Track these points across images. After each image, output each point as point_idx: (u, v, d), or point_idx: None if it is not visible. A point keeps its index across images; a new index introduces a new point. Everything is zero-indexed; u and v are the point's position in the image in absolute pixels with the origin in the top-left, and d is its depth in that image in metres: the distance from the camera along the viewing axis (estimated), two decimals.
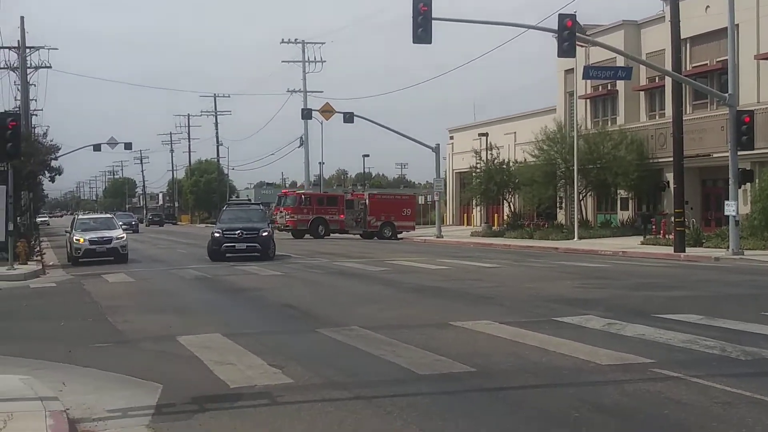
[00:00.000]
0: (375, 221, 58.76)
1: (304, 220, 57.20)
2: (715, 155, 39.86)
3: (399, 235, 58.18)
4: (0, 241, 26.62)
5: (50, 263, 34.16)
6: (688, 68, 43.16)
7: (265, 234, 32.92)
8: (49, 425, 7.61)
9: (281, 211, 58.37)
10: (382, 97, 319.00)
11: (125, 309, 17.69)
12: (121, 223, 40.59)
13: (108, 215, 43.74)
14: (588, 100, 52.78)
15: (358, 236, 58.30)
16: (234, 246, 32.57)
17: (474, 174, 57.68)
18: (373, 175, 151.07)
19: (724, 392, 8.81)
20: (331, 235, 57.79)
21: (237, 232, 32.81)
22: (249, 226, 33.22)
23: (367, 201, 59.69)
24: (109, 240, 33.98)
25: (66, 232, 37.52)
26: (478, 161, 56.79)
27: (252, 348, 12.06)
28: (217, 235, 33.22)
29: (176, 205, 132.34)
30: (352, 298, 18.72)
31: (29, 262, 31.67)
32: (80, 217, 40.51)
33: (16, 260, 29.58)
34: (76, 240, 33.94)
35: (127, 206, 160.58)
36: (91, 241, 33.78)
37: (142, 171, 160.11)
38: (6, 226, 24.38)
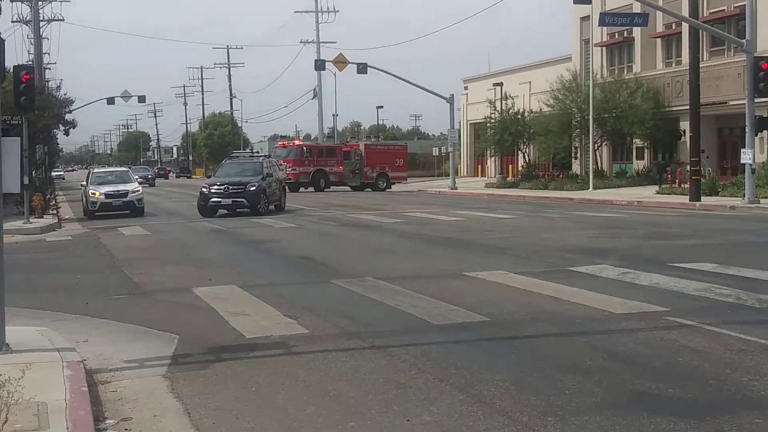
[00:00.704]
0: (371, 172, 58.96)
1: (305, 173, 56.26)
2: (731, 103, 39.50)
3: (393, 186, 58.72)
4: (16, 194, 26.77)
5: (66, 217, 34.34)
6: (705, 14, 42.59)
7: (252, 188, 31.66)
8: (66, 375, 7.70)
9: (281, 164, 57.76)
10: (396, 49, 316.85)
11: (141, 261, 17.80)
12: (137, 176, 40.71)
13: (123, 168, 43.85)
14: (604, 48, 52.26)
15: (348, 188, 57.68)
16: (220, 201, 31.60)
17: (488, 124, 57.38)
18: (387, 127, 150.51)
19: (738, 340, 8.82)
20: (331, 187, 57.29)
21: (223, 187, 31.77)
22: (237, 180, 32.15)
23: (363, 152, 59.53)
24: (125, 193, 34.10)
25: (81, 185, 37.68)
26: (492, 111, 56.45)
27: (267, 299, 12.13)
28: (204, 190, 32.37)
29: (190, 158, 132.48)
30: (366, 250, 18.77)
31: (45, 216, 31.86)
32: (95, 170, 40.61)
33: (31, 214, 29.77)
34: (92, 194, 34.07)
35: (141, 160, 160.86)
36: (107, 195, 33.91)
37: (156, 124, 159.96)
38: (21, 180, 24.45)
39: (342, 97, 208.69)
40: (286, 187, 36.24)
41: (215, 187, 31.99)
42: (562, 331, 9.49)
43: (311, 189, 55.87)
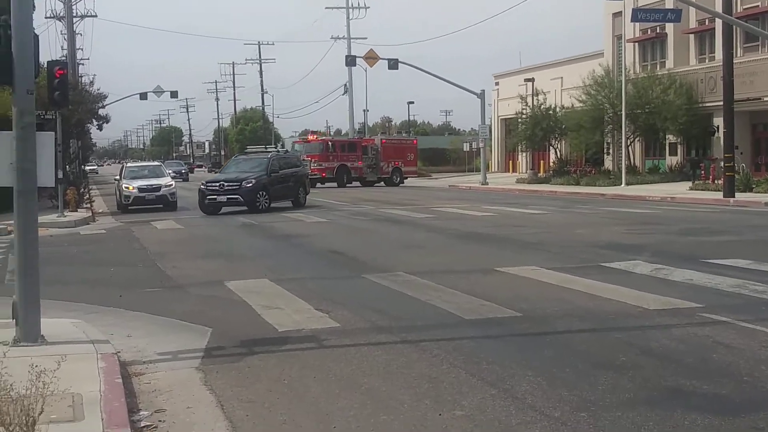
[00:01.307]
0: (386, 167, 58.65)
1: (330, 168, 55.59)
2: (765, 99, 39.08)
3: (405, 181, 58.60)
4: (50, 188, 27.03)
5: (99, 211, 34.63)
6: (738, 10, 42.14)
7: (249, 185, 30.93)
8: (100, 367, 7.76)
9: (303, 159, 56.11)
10: (427, 44, 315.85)
11: (174, 255, 17.91)
12: (170, 171, 40.92)
13: (157, 163, 44.14)
14: (636, 44, 51.85)
15: (359, 183, 56.96)
16: (215, 198, 30.94)
17: (520, 120, 57.15)
18: (418, 122, 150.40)
19: None
20: (352, 182, 56.81)
21: (218, 184, 31.28)
22: (234, 176, 31.66)
23: (379, 146, 59.09)
24: (158, 187, 34.35)
25: (115, 180, 37.97)
26: (524, 107, 56.21)
27: (299, 293, 12.15)
28: (202, 188, 31.83)
29: (222, 153, 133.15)
30: (397, 245, 18.77)
31: (79, 210, 32.14)
32: (129, 165, 40.93)
33: (65, 208, 30.04)
34: (126, 188, 34.35)
35: (174, 154, 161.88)
36: (140, 189, 34.17)
37: (188, 119, 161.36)
38: (55, 174, 24.67)
39: (373, 92, 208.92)
40: (307, 183, 35.55)
41: (212, 184, 31.51)
42: (595, 327, 9.43)
43: (334, 184, 55.27)
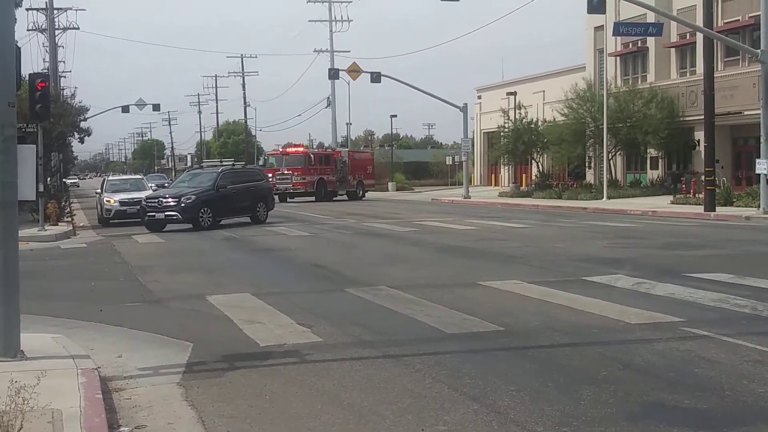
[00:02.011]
0: (352, 180, 58.34)
1: (311, 182, 54.47)
2: (746, 113, 39.31)
3: (366, 195, 58.54)
4: (31, 201, 26.89)
5: (80, 224, 34.49)
6: (719, 24, 42.45)
7: (188, 201, 29.53)
8: (81, 382, 7.71)
9: (282, 173, 54.00)
10: (410, 57, 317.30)
11: (155, 269, 17.85)
12: (152, 184, 40.79)
13: (138, 176, 44.08)
14: (618, 58, 52.16)
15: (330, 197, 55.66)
16: (154, 216, 29.60)
17: (502, 133, 57.36)
18: (401, 135, 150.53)
19: (755, 351, 8.75)
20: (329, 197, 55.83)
21: (156, 201, 29.97)
22: (174, 192, 30.54)
23: (347, 159, 58.52)
24: (140, 201, 34.22)
25: (96, 193, 37.83)
26: (506, 120, 56.43)
27: (281, 307, 12.13)
28: (143, 203, 30.64)
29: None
30: (380, 258, 18.77)
31: (60, 223, 31.99)
32: (110, 178, 40.82)
33: (46, 221, 29.89)
34: (107, 201, 34.24)
35: (155, 167, 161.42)
36: (122, 202, 34.06)
37: (171, 132, 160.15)
38: (36, 187, 24.55)
39: (356, 106, 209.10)
40: (270, 198, 33.97)
41: (152, 201, 30.20)
42: (576, 341, 9.44)
43: (312, 198, 54.17)
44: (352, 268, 16.85)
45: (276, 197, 53.87)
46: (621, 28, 35.31)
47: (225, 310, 12.07)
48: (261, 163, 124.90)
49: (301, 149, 58.79)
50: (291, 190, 54.16)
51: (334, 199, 55.99)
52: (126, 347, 9.91)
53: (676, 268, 15.46)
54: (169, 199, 29.85)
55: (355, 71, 59.44)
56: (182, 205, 29.58)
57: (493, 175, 72.56)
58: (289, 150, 58.45)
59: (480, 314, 11.08)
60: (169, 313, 12.30)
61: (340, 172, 57.27)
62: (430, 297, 12.62)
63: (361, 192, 58.94)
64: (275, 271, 17.26)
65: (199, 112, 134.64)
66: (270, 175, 53.20)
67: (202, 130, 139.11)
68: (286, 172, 54.05)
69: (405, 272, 16.01)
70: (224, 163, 37.82)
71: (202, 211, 29.81)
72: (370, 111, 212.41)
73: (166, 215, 29.58)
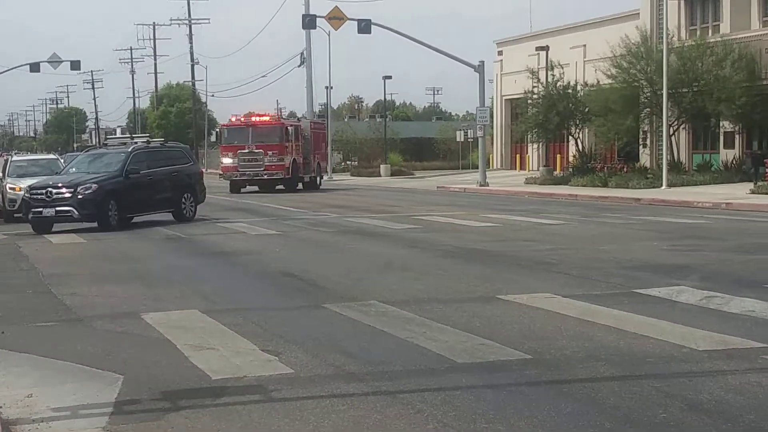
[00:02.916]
0: (313, 162, 57.38)
1: (288, 165, 52.56)
2: None
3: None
4: None
5: None
6: None
7: (87, 192, 28.31)
8: None
9: (251, 152, 52.00)
10: (408, 1, 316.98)
11: (75, 278, 17.83)
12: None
13: (52, 156, 43.92)
14: (682, 2, 52.24)
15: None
16: (41, 212, 28.40)
17: (530, 101, 57.44)
18: (397, 103, 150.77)
19: None
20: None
21: (44, 192, 28.55)
22: (68, 180, 29.14)
23: (309, 133, 57.02)
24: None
25: None
26: (535, 84, 56.50)
27: (240, 328, 12.12)
28: (26, 197, 29.51)
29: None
30: (370, 265, 18.78)
31: None
32: (15, 159, 40.70)
33: None
34: (11, 189, 34.16)
35: (75, 145, 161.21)
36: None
37: (95, 98, 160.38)
38: None
39: (338, 64, 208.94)
40: (198, 187, 32.85)
41: (38, 191, 28.82)
42: (626, 374, 9.46)
43: (281, 187, 52.95)
44: (333, 278, 16.84)
45: (231, 185, 53.21)
46: None
47: (166, 333, 12.06)
48: (213, 138, 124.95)
49: (275, 118, 55.71)
50: (264, 176, 52.33)
51: (297, 188, 54.50)
52: (36, 381, 9.90)
53: (758, 277, 15.48)
54: (62, 189, 28.47)
55: (337, 18, 59.39)
56: (79, 196, 28.28)
57: (517, 156, 72.69)
58: (257, 119, 54.66)
59: (500, 338, 11.09)
60: (92, 336, 12.28)
61: (305, 151, 55.69)
62: (434, 315, 12.62)
63: (320, 178, 58.88)
64: (232, 282, 17.24)
65: (132, 71, 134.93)
66: (229, 154, 53.22)
67: (137, 95, 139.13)
68: (255, 150, 52.22)
69: (402, 283, 16.00)
70: (135, 140, 36.02)
71: (107, 204, 28.74)
72: (357, 72, 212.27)
73: (56, 211, 28.37)
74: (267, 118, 54.98)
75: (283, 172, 52.20)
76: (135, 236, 26.56)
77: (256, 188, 53.62)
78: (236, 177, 53.10)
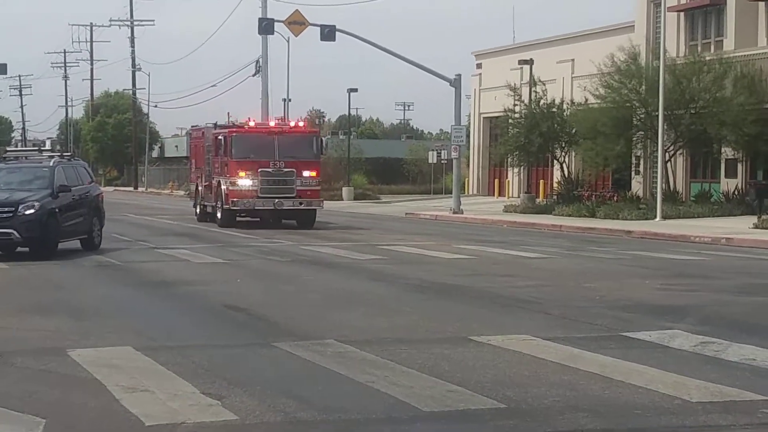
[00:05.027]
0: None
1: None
2: None
3: None
4: None
5: None
6: None
7: (29, 212, 26.90)
8: None
9: (278, 170, 41.00)
10: (379, 6, 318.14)
11: None
12: None
13: None
14: (682, 14, 52.64)
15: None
16: None
17: (511, 120, 57.64)
18: (363, 119, 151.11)
19: None
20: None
21: None
22: (2, 198, 27.52)
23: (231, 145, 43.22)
24: None
25: None
26: (516, 101, 56.71)
27: (178, 368, 12.06)
28: None
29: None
30: (327, 299, 18.76)
31: None
32: None
33: None
34: None
35: None
36: None
37: (22, 106, 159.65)
38: None
39: (298, 73, 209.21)
40: (102, 210, 31.36)
41: None
42: (612, 427, 9.48)
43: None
44: (285, 313, 16.81)
45: (224, 216, 42.12)
46: None
47: (95, 372, 11.98)
48: (155, 154, 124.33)
49: (309, 124, 46.53)
50: (300, 204, 41.45)
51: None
52: None
53: (759, 322, 15.58)
54: (3, 208, 27.03)
55: (298, 23, 59.41)
56: (19, 217, 26.96)
57: (496, 181, 72.87)
58: (283, 125, 45.03)
59: (472, 384, 11.08)
60: (12, 375, 12.18)
61: None
62: (398, 357, 12.61)
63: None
64: (171, 316, 17.20)
65: (65, 77, 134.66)
66: (245, 173, 41.17)
67: (70, 104, 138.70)
68: (284, 168, 41.46)
69: (363, 320, 16.00)
70: (45, 153, 34.14)
71: (52, 226, 27.54)
72: (319, 83, 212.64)
73: None
74: (299, 124, 45.77)
75: (319, 202, 42.70)
76: (63, 263, 26.36)
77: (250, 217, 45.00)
78: (255, 206, 41.23)
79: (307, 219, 41.88)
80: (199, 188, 46.77)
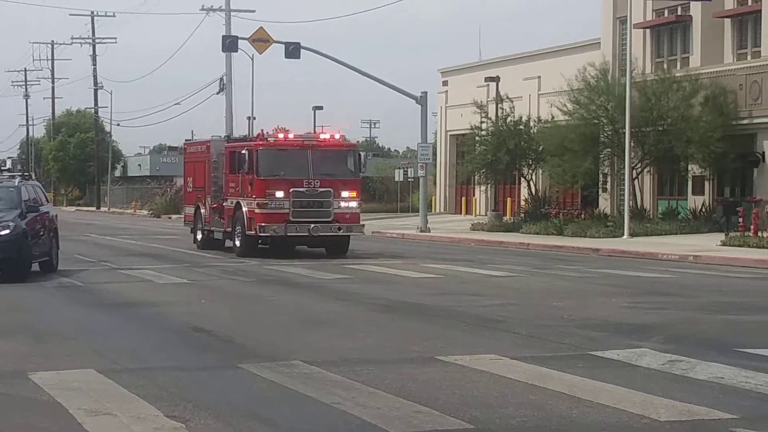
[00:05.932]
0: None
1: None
2: None
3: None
4: None
5: None
6: None
7: (4, 233, 26.05)
8: None
9: (312, 190, 35.79)
10: (344, 23, 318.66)
11: None
12: None
13: None
14: (648, 31, 52.88)
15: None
16: None
17: (477, 138, 57.68)
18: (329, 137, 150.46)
19: None
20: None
21: None
22: None
23: (224, 160, 39.92)
24: None
25: None
26: (483, 119, 56.78)
27: (142, 391, 12.02)
28: None
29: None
30: (293, 320, 18.75)
31: None
32: None
33: None
34: None
35: None
36: None
37: None
38: None
39: (263, 91, 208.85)
40: (56, 233, 30.46)
41: None
42: None
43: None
44: (250, 334, 16.80)
45: (244, 243, 36.78)
46: None
47: (57, 395, 11.92)
48: (117, 173, 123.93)
49: (337, 137, 38.73)
50: (340, 229, 36.40)
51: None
52: None
53: (727, 340, 15.63)
54: None
55: (262, 40, 59.36)
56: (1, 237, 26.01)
57: (463, 199, 72.91)
58: (318, 138, 38.98)
59: (439, 405, 11.09)
60: None
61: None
62: (365, 378, 12.61)
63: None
64: (134, 338, 17.10)
65: (26, 95, 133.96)
66: (274, 193, 35.81)
67: (31, 123, 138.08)
68: (320, 188, 36.31)
69: (329, 341, 15.98)
70: (3, 172, 33.36)
71: (26, 248, 26.71)
72: (284, 100, 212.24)
73: None
74: (334, 136, 38.79)
75: (360, 227, 37.87)
76: (24, 285, 26.12)
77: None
78: (287, 231, 35.42)
79: (340, 246, 36.81)
80: (202, 211, 40.85)
